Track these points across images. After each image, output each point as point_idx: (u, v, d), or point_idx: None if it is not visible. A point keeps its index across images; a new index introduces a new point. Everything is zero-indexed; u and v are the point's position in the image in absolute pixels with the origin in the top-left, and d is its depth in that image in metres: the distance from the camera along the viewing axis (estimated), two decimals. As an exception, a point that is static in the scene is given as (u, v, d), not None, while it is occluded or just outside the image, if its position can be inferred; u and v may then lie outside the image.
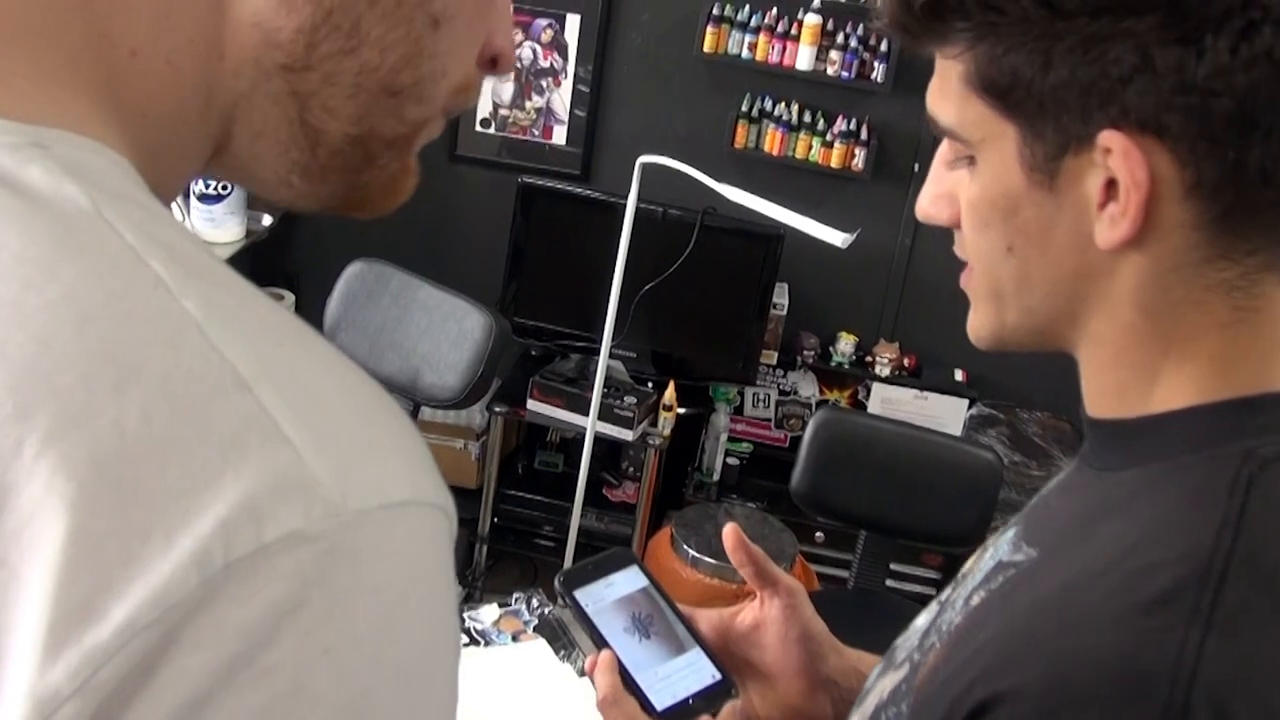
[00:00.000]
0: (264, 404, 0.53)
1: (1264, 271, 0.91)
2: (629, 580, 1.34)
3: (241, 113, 0.68)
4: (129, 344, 0.52)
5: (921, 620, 1.11)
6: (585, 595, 1.30)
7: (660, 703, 1.23)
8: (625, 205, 3.51)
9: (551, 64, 4.52)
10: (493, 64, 0.76)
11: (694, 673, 1.27)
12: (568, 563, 3.94)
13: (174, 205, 3.83)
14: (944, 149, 1.01)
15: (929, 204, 1.02)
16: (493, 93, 4.55)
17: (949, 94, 0.96)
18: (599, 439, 3.91)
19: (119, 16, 0.62)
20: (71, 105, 0.60)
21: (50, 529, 0.48)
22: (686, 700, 1.25)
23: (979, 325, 1.03)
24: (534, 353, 4.44)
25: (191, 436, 0.51)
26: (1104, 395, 0.98)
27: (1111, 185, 0.89)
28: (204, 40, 0.65)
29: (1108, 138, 0.88)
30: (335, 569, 0.52)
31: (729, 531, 1.32)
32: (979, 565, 1.05)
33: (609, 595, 1.32)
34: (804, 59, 4.26)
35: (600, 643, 1.27)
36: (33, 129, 0.57)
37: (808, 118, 4.39)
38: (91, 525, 0.49)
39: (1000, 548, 1.03)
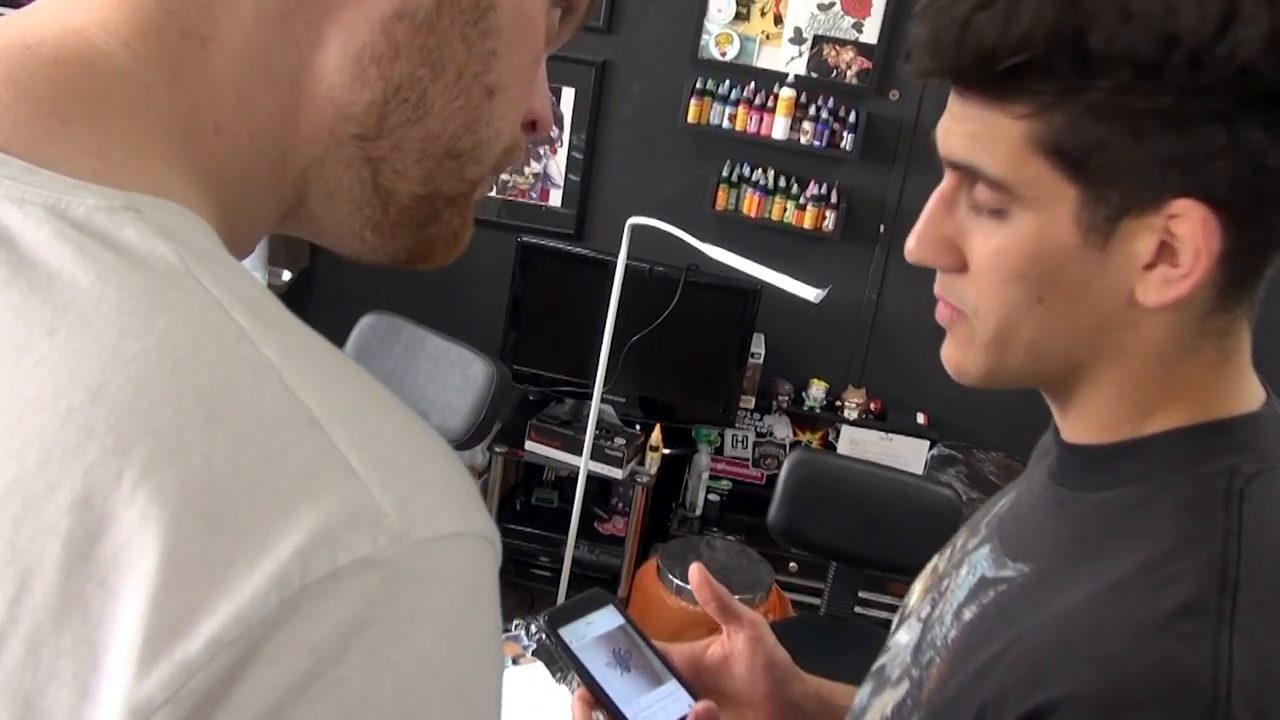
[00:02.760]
0: (335, 443, 0.54)
1: (1244, 318, 0.93)
2: (606, 619, 1.33)
3: (315, 175, 0.69)
4: (217, 387, 0.53)
5: (905, 638, 1.09)
6: (569, 633, 1.29)
7: None
8: (616, 262, 3.52)
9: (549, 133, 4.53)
10: (533, 126, 0.77)
11: (673, 702, 1.27)
12: (562, 590, 3.93)
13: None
14: (945, 189, 0.95)
15: (927, 247, 0.96)
16: (494, 159, 4.56)
17: (999, 147, 0.89)
18: (591, 477, 3.91)
19: (207, 96, 0.64)
20: (161, 173, 0.61)
21: (146, 553, 0.49)
22: None
23: (969, 363, 0.98)
24: (531, 397, 4.44)
25: (273, 471, 0.52)
26: (1091, 426, 0.97)
27: (1163, 247, 0.87)
28: (282, 114, 0.66)
29: (1183, 205, 0.85)
30: (399, 593, 0.53)
31: (694, 571, 1.31)
32: (957, 581, 1.04)
33: (590, 633, 1.31)
34: (779, 129, 4.28)
35: (585, 677, 1.27)
36: (126, 194, 0.58)
37: (783, 183, 4.40)
38: (183, 550, 0.50)
39: (978, 565, 1.02)
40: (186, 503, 0.51)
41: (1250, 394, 0.95)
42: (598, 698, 1.25)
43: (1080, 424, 0.98)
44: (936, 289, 0.98)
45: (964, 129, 0.92)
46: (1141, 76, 0.82)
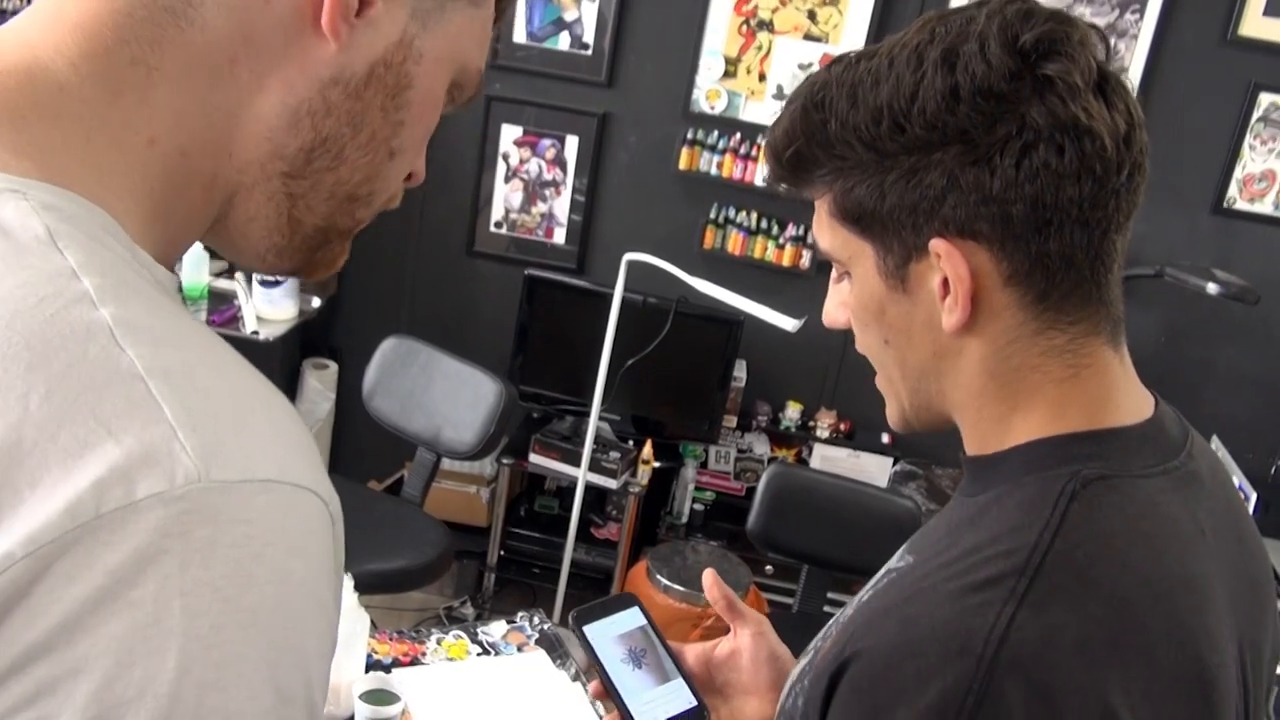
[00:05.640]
0: (153, 392, 0.56)
1: (1090, 336, 0.95)
2: (630, 618, 1.35)
3: (240, 200, 0.73)
4: (46, 338, 0.55)
5: (831, 620, 1.13)
6: (592, 630, 1.31)
7: None
8: (613, 294, 3.55)
9: (554, 177, 4.56)
10: (409, 179, 0.83)
11: (674, 699, 1.28)
12: (561, 587, 3.94)
13: (239, 284, 3.80)
14: (834, 270, 1.05)
15: (833, 311, 1.06)
16: (505, 200, 4.59)
17: (822, 225, 1.01)
18: (588, 487, 3.93)
19: (143, 113, 0.67)
20: (72, 169, 0.64)
21: None
22: None
23: (890, 413, 1.08)
24: (536, 415, 4.45)
25: (84, 411, 0.54)
26: (973, 442, 1.01)
27: (947, 282, 0.93)
28: (216, 141, 0.70)
29: (935, 244, 0.92)
30: (194, 526, 0.54)
31: (708, 575, 1.35)
32: (876, 575, 1.07)
33: (612, 631, 1.33)
34: (761, 176, 4.31)
35: (599, 669, 1.28)
36: (19, 180, 0.61)
37: (764, 224, 4.43)
38: None
39: (891, 560, 1.05)
40: (2, 434, 0.53)
41: (1121, 409, 0.97)
42: (607, 689, 1.27)
43: (968, 440, 1.02)
44: (857, 346, 1.07)
45: (814, 221, 1.04)
46: (867, 147, 0.93)
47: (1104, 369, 0.96)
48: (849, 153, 0.94)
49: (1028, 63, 0.89)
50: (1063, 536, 0.87)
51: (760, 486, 3.45)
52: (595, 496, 4.56)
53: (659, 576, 3.73)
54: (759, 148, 4.29)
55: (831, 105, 0.94)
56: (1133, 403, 0.98)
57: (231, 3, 0.68)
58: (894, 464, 4.52)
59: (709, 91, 4.36)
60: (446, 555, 3.53)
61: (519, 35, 4.39)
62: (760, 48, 4.31)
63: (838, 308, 1.05)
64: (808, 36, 4.28)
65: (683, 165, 4.40)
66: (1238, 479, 3.75)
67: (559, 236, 4.64)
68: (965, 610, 0.84)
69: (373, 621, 2.24)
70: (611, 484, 4.23)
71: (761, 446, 4.69)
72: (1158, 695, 0.84)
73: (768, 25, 4.29)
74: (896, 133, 0.91)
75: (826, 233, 1.01)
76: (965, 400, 0.99)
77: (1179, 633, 0.87)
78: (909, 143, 0.91)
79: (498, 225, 4.64)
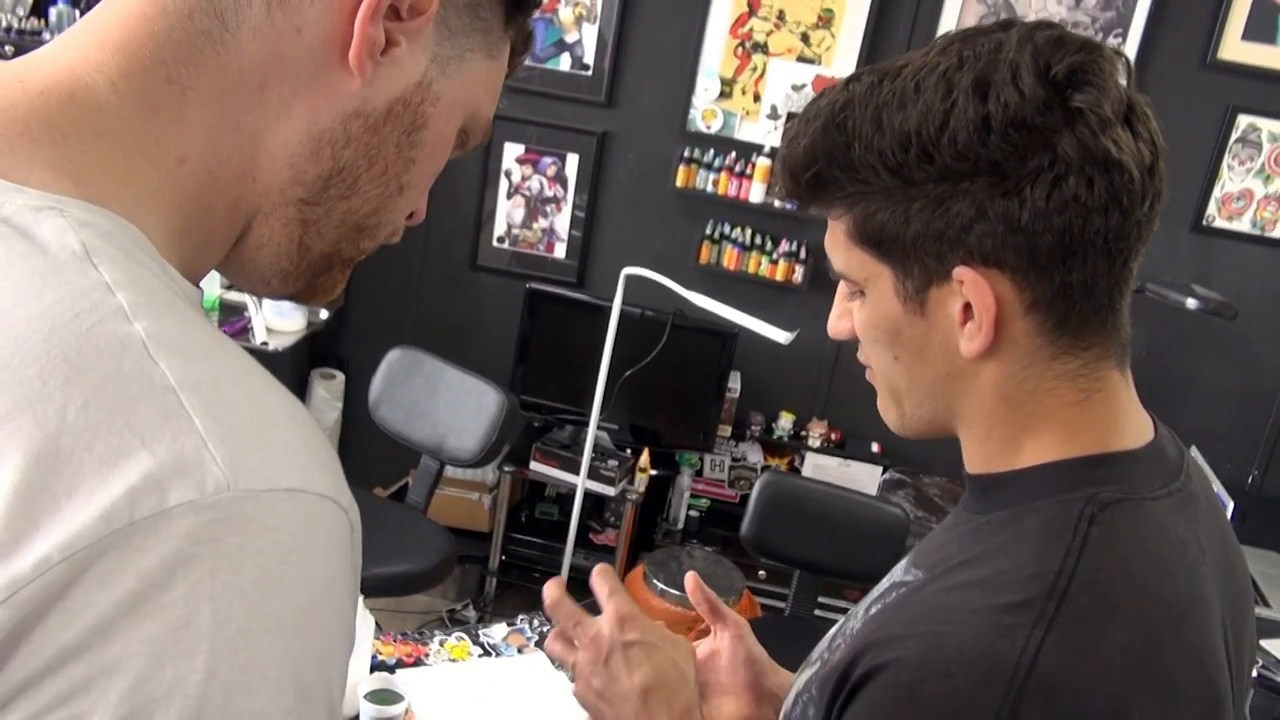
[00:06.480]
0: (184, 404, 0.56)
1: (1101, 360, 0.94)
2: None
3: (256, 225, 0.74)
4: (83, 351, 0.56)
5: (832, 630, 1.12)
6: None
7: None
8: (612, 307, 3.56)
9: (555, 193, 4.58)
10: (410, 216, 0.84)
11: None
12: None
13: (249, 296, 3.80)
14: (842, 284, 1.03)
15: (837, 323, 1.04)
16: (507, 216, 4.61)
17: (837, 245, 0.98)
18: (587, 494, 3.93)
19: (176, 132, 0.67)
20: (107, 186, 0.65)
21: (1, 484, 0.53)
22: None
23: (887, 417, 1.05)
24: (536, 424, 4.45)
25: (119, 422, 0.54)
26: (978, 459, 1.00)
27: (968, 307, 0.91)
28: (241, 163, 0.71)
29: (960, 272, 0.90)
30: (224, 533, 0.54)
31: (690, 578, 1.36)
32: (878, 587, 1.06)
33: None
34: (756, 193, 4.33)
35: None
36: (56, 197, 0.62)
37: (758, 240, 4.44)
38: (31, 482, 0.52)
39: (895, 573, 1.04)
40: (38, 444, 0.53)
41: (1127, 432, 0.96)
42: None
43: (972, 457, 1.01)
44: (859, 355, 1.06)
45: (827, 238, 1.01)
46: (893, 173, 0.90)
47: (1113, 393, 0.95)
48: (872, 177, 0.91)
49: (1060, 94, 0.86)
50: (1085, 560, 0.86)
51: (754, 494, 3.46)
52: (594, 503, 4.55)
53: (655, 581, 3.74)
54: (754, 166, 4.32)
55: (855, 128, 0.91)
56: (1137, 426, 0.98)
57: (265, 30, 0.69)
58: (883, 473, 4.53)
59: (705, 111, 4.39)
60: (449, 560, 3.54)
61: (521, 56, 4.41)
62: (755, 69, 4.34)
63: (843, 319, 1.04)
64: (801, 59, 4.30)
65: (680, 183, 4.42)
66: (1216, 488, 3.76)
67: (559, 251, 4.66)
68: (993, 631, 0.83)
69: (377, 624, 2.25)
70: (610, 491, 4.24)
71: (755, 455, 4.69)
72: (1176, 716, 0.83)
73: (762, 47, 4.31)
74: (925, 161, 0.88)
75: (842, 253, 0.98)
76: (975, 419, 0.98)
77: (1192, 653, 0.87)
78: (937, 171, 0.88)
79: (500, 240, 4.66)
